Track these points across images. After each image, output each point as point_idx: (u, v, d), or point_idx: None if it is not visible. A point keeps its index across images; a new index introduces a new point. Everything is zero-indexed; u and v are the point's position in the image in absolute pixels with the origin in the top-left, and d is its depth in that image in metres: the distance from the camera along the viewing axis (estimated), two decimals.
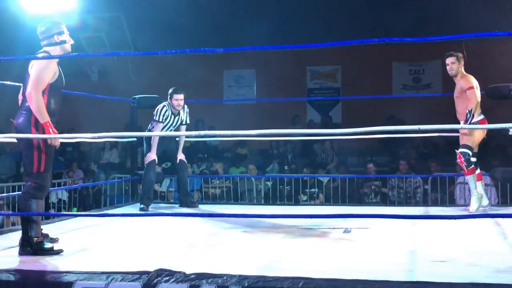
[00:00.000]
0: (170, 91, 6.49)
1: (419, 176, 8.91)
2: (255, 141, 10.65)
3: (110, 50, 12.67)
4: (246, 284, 2.96)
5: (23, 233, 3.96)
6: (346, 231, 4.82)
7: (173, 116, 6.50)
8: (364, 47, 11.29)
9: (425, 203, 8.36)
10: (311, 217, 4.87)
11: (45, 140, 3.97)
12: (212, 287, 2.97)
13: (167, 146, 6.67)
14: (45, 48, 4.18)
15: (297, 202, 8.93)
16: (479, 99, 5.79)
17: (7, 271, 3.32)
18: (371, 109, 11.96)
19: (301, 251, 4.06)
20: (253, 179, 9.59)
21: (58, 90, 4.16)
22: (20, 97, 4.12)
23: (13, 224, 7.44)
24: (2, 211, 8.14)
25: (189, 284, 3.00)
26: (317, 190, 9.45)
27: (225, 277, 3.05)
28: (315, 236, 4.64)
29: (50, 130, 3.94)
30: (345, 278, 3.08)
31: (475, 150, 5.96)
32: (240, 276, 3.06)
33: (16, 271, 3.33)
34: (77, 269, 3.37)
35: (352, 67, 13.27)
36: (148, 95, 7.15)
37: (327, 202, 8.84)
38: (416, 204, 8.34)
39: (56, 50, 4.17)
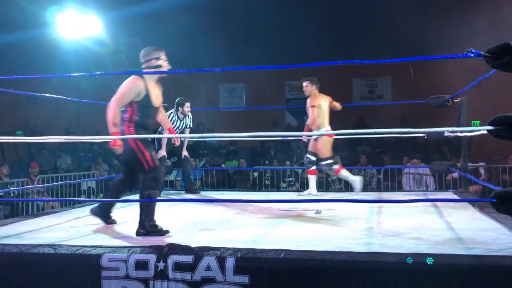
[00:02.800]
0: (179, 100, 6.48)
1: (374, 168, 8.96)
2: (245, 141, 10.65)
3: (129, 68, 12.60)
4: (239, 255, 2.96)
5: (140, 217, 3.80)
6: (317, 212, 4.82)
7: (178, 121, 6.49)
8: (331, 67, 11.28)
9: (378, 189, 8.42)
10: (289, 202, 4.88)
11: (141, 140, 3.81)
12: (212, 258, 2.95)
13: (174, 145, 6.64)
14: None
15: (278, 189, 8.94)
16: (315, 116, 5.77)
17: (49, 245, 3.29)
18: (336, 115, 11.98)
19: (282, 228, 4.07)
20: (243, 171, 9.59)
21: (148, 107, 3.91)
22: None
23: (52, 207, 7.38)
24: (44, 198, 8.07)
25: (193, 256, 2.99)
26: (294, 179, 9.48)
27: (222, 250, 3.04)
28: (292, 216, 4.64)
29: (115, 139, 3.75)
30: (317, 249, 3.09)
31: (329, 154, 6.01)
32: (234, 249, 3.05)
33: (54, 246, 3.30)
34: (104, 243, 3.36)
35: (321, 82, 13.24)
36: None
37: (302, 188, 8.86)
38: (372, 190, 8.38)
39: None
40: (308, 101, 5.92)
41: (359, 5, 10.41)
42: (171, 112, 6.47)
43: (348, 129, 4.74)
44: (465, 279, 2.71)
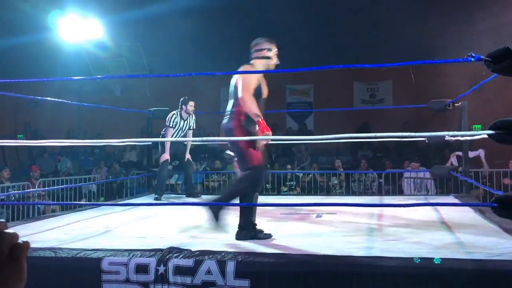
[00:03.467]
0: (184, 99, 6.48)
1: (375, 172, 8.95)
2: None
3: (130, 72, 12.63)
4: (240, 259, 2.96)
5: (241, 219, 3.66)
6: (318, 216, 4.83)
7: (182, 121, 6.48)
8: (332, 71, 11.31)
9: (379, 193, 8.41)
10: (290, 206, 4.88)
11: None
12: (212, 262, 2.95)
13: (177, 148, 6.65)
14: (252, 61, 3.78)
15: (279, 193, 8.94)
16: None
17: (49, 249, 3.30)
18: (338, 119, 12.00)
19: (283, 232, 4.06)
20: None
21: (258, 99, 3.70)
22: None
23: (53, 211, 7.37)
24: (45, 201, 8.07)
25: (194, 260, 2.98)
26: (294, 183, 9.47)
27: (223, 253, 3.04)
28: (294, 220, 4.64)
29: (262, 127, 3.58)
30: (319, 253, 3.09)
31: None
32: (234, 252, 3.06)
33: (54, 249, 3.30)
34: (105, 247, 3.35)
35: (322, 85, 13.31)
36: (161, 108, 7.13)
37: (303, 192, 8.86)
38: (373, 194, 8.37)
39: (260, 63, 3.75)
40: None
41: (361, 9, 10.42)
42: (174, 114, 6.47)
43: (351, 133, 4.72)
44: (467, 283, 2.70)
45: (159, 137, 6.74)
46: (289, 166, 10.55)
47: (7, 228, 0.79)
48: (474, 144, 9.73)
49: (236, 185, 3.76)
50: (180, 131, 6.50)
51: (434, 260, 2.76)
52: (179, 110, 6.48)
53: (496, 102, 10.32)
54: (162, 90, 11.65)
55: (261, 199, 6.65)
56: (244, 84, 3.63)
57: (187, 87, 11.78)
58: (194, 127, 6.67)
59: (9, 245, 0.77)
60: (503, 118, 2.89)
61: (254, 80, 3.66)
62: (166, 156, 6.41)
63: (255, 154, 3.62)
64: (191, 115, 6.54)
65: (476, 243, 3.39)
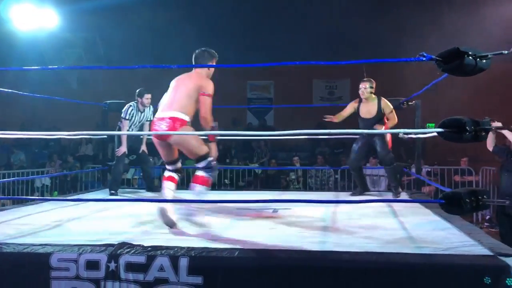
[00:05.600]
0: (139, 91, 6.35)
1: (331, 168, 9.07)
2: (204, 139, 10.55)
3: (87, 63, 12.32)
4: (193, 254, 2.92)
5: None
6: (275, 211, 4.85)
7: (139, 113, 6.36)
8: (292, 68, 11.40)
9: (335, 189, 8.52)
10: (246, 202, 4.86)
11: None
12: (165, 258, 2.90)
13: (134, 141, 6.51)
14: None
15: (237, 188, 8.93)
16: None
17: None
18: (297, 115, 12.10)
19: (237, 227, 4.05)
20: None
21: None
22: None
23: (3, 205, 7.11)
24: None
25: (146, 255, 2.93)
26: (253, 178, 9.49)
27: (176, 249, 3.00)
28: (250, 215, 4.64)
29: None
30: (273, 248, 3.09)
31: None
32: (188, 248, 3.02)
33: (7, 244, 3.17)
34: (54, 242, 3.25)
35: (282, 82, 13.40)
36: (117, 101, 6.96)
37: (261, 188, 8.88)
38: (329, 190, 8.48)
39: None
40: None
41: (321, 7, 10.53)
42: (130, 105, 6.33)
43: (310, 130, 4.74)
44: (414, 277, 2.77)
45: (115, 130, 6.59)
46: (248, 162, 10.56)
47: None
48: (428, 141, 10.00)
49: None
50: (137, 122, 6.37)
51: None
52: (135, 102, 6.34)
53: (451, 100, 10.60)
54: (120, 82, 11.41)
55: (219, 194, 6.66)
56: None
57: (147, 79, 11.59)
58: (152, 118, 6.54)
59: None
60: (452, 117, 2.96)
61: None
62: (122, 149, 6.27)
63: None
64: (148, 107, 6.42)
65: (426, 238, 3.48)
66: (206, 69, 4.13)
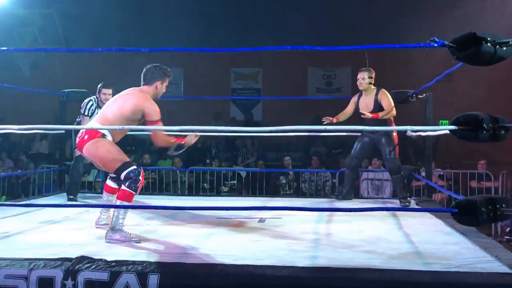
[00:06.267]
0: (99, 85, 6.31)
1: (328, 171, 9.10)
2: (180, 136, 10.51)
3: (43, 45, 12.20)
4: (164, 271, 2.91)
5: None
6: (261, 220, 4.85)
7: (98, 110, 6.32)
8: (283, 53, 11.42)
9: (333, 195, 8.54)
10: (228, 209, 4.85)
11: None
12: (131, 275, 2.89)
13: None
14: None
15: (218, 193, 8.93)
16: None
17: None
18: (289, 109, 12.11)
19: (218, 239, 4.05)
20: (177, 171, 9.51)
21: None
22: None
23: None
24: None
25: (109, 272, 2.92)
26: (236, 182, 9.48)
27: (144, 264, 2.99)
28: (231, 225, 4.63)
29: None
30: (256, 264, 3.09)
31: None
32: (158, 263, 3.01)
33: None
34: (0, 255, 3.21)
35: (272, 70, 13.40)
36: (77, 90, 6.90)
37: (246, 193, 8.89)
38: (325, 196, 8.50)
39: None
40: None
41: None
42: (90, 100, 6.29)
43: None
44: None
45: (73, 125, 6.54)
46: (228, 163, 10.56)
47: None
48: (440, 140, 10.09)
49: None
50: None
51: None
52: (96, 96, 6.32)
53: (469, 95, 10.69)
54: (82, 68, 11.33)
55: (197, 201, 6.65)
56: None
57: (115, 65, 11.53)
58: None
59: None
60: (467, 113, 2.99)
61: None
62: None
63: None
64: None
65: (435, 253, 3.51)
66: (153, 87, 4.27)
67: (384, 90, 5.96)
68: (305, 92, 13.33)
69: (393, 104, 5.87)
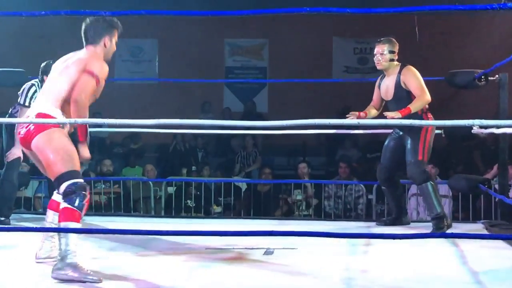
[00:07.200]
0: (45, 66, 6.34)
1: (362, 183, 9.10)
2: (153, 134, 10.54)
3: None
4: None
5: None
6: (268, 252, 4.87)
7: None
8: (298, 17, 11.42)
9: (368, 217, 8.55)
10: (223, 235, 4.87)
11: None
12: None
13: None
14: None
15: (208, 214, 8.93)
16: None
17: None
18: (305, 97, 12.12)
19: (206, 279, 4.07)
20: (150, 183, 9.53)
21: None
22: None
23: None
24: None
25: None
26: (233, 198, 9.49)
27: None
28: (227, 259, 4.66)
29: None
30: None
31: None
32: None
33: None
34: None
35: (282, 41, 13.37)
36: (9, 69, 6.93)
37: (246, 214, 8.89)
38: (357, 218, 8.50)
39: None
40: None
41: None
42: (32, 85, 6.35)
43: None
44: None
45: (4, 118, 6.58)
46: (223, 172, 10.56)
47: None
48: None
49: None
50: None
51: None
52: (39, 79, 6.35)
53: None
54: (13, 40, 11.36)
55: (178, 224, 6.64)
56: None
57: (56, 35, 11.54)
58: None
59: None
60: None
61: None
62: (17, 152, 6.28)
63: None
64: None
65: None
66: (101, 46, 4.42)
67: (411, 67, 5.91)
68: (329, 73, 13.33)
69: (424, 85, 5.82)
